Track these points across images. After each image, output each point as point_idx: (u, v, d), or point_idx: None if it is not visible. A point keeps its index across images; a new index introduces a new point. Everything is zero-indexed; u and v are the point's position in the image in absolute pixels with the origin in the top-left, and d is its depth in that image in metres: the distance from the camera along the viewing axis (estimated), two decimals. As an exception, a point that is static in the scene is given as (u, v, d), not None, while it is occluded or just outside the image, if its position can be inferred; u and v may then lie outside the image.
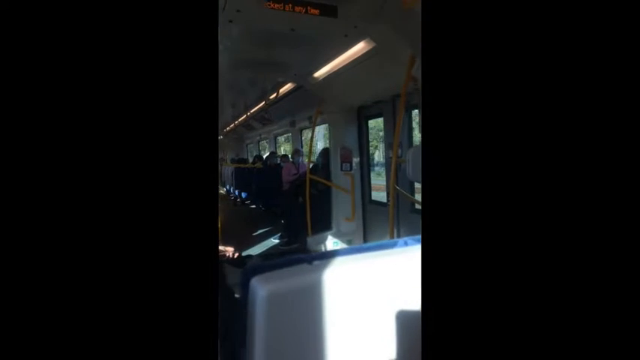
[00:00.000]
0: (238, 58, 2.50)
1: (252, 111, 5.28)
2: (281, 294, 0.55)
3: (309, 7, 1.61)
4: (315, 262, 0.58)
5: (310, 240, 3.36)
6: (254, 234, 4.15)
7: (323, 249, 3.21)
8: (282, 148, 6.72)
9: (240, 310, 0.57)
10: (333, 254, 0.65)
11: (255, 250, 3.46)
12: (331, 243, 3.27)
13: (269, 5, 1.56)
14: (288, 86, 3.71)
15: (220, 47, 2.18)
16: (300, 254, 0.64)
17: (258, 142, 7.41)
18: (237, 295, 1.19)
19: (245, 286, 0.57)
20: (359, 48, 2.18)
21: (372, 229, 3.22)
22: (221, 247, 1.54)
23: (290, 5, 1.58)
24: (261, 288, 0.54)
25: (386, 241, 0.79)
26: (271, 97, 4.26)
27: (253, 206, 5.76)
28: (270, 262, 0.59)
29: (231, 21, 1.74)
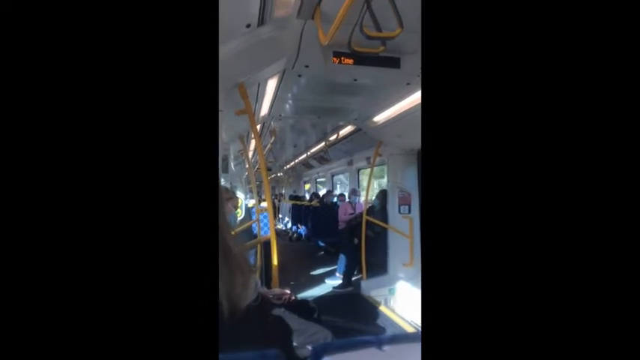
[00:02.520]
0: (302, 105, 2.67)
1: (312, 150, 5.49)
2: None
3: (373, 61, 1.68)
4: (386, 348, 0.56)
5: (365, 284, 3.24)
6: (310, 273, 4.14)
7: (381, 299, 3.06)
8: (339, 188, 6.80)
9: None
10: (404, 338, 0.62)
11: (310, 293, 3.42)
12: (387, 290, 3.12)
13: (335, 60, 1.66)
14: (347, 128, 3.82)
15: (286, 95, 2.36)
16: (370, 335, 0.62)
17: (316, 180, 7.60)
18: (295, 343, 1.18)
19: None
20: (420, 94, 2.19)
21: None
22: (278, 291, 1.56)
23: (355, 59, 1.67)
24: None
25: None
26: (331, 138, 4.42)
27: (310, 243, 5.81)
28: (339, 342, 0.59)
29: (300, 75, 1.89)
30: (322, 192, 6.48)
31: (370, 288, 3.18)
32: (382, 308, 2.93)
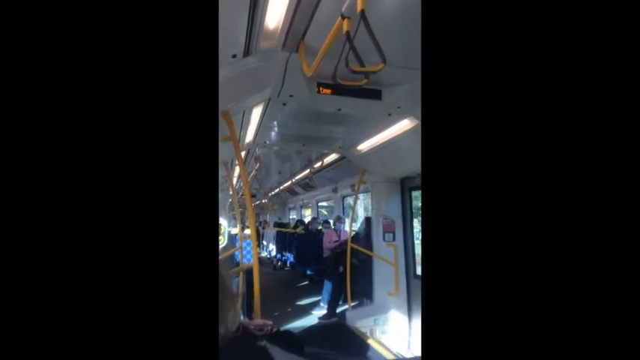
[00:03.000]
0: (287, 133, 2.70)
1: (296, 178, 5.50)
2: None
3: (356, 92, 1.74)
4: None
5: (350, 315, 3.16)
6: (295, 303, 4.01)
7: (367, 330, 2.98)
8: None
9: None
10: None
11: (294, 324, 3.30)
12: (372, 320, 3.05)
13: (319, 91, 1.72)
14: (332, 156, 3.88)
15: (272, 123, 2.39)
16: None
17: (301, 207, 7.57)
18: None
19: None
20: (402, 125, 2.27)
21: (419, 306, 2.98)
22: (260, 321, 1.50)
23: (335, 90, 1.73)
24: None
25: None
26: (316, 165, 4.46)
27: (294, 271, 5.67)
28: None
29: (285, 104, 1.94)
30: (307, 218, 6.43)
31: (355, 318, 3.10)
32: (368, 340, 2.85)
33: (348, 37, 1.07)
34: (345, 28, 1.07)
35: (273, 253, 7.05)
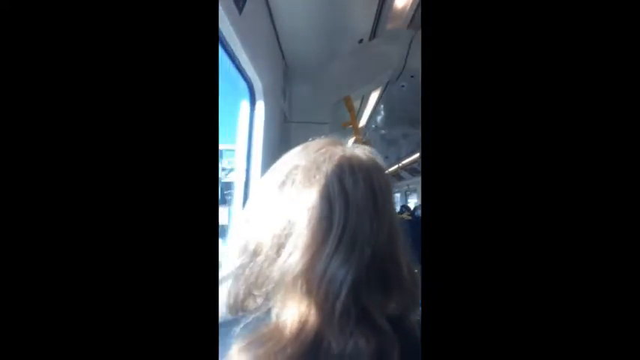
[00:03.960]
0: (400, 116, 2.64)
1: (403, 162, 5.37)
2: None
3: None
4: None
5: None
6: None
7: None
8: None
9: None
10: None
11: None
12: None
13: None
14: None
15: (386, 107, 2.37)
16: None
17: (405, 192, 7.38)
18: None
19: None
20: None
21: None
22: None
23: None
24: None
25: None
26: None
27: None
28: None
29: (403, 86, 1.89)
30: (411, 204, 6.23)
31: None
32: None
33: None
34: None
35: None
